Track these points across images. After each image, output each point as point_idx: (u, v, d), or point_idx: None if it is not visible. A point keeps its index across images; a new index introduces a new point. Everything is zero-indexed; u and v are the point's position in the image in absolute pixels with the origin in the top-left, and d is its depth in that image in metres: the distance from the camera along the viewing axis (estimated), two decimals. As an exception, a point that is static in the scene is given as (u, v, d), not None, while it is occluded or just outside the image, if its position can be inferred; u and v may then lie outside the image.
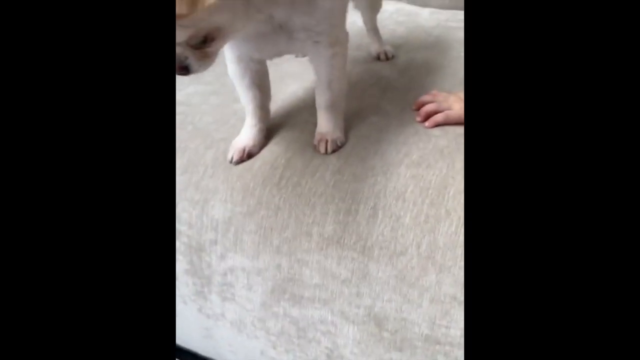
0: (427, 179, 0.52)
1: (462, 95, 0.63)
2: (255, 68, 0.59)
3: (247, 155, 0.59)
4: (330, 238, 0.51)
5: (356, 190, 0.53)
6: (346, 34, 0.58)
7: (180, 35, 0.41)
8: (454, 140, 0.57)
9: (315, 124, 0.61)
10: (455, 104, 0.61)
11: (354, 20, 0.82)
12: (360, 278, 0.50)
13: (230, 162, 0.59)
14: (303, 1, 0.49)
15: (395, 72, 0.75)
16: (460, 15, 0.96)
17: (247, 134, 0.60)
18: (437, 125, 0.60)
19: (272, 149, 0.60)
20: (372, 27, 0.80)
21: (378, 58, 0.79)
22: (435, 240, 0.48)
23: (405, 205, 0.50)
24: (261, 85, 0.60)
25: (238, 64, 0.58)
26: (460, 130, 0.59)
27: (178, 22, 0.38)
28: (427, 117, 0.61)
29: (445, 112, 0.61)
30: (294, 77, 0.73)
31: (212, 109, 0.69)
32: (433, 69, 0.75)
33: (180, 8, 0.37)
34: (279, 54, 0.58)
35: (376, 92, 0.69)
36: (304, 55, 0.59)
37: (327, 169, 0.55)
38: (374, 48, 0.80)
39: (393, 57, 0.79)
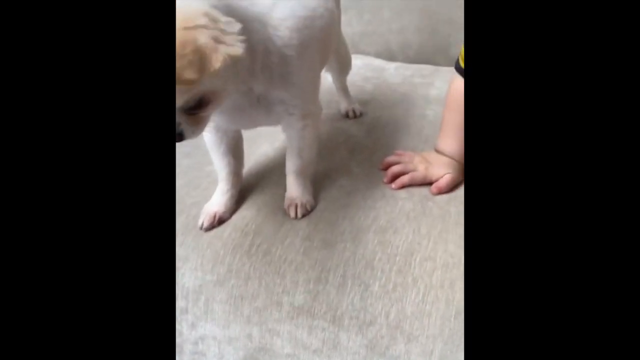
0: (395, 245, 0.53)
1: (426, 155, 0.66)
2: (231, 135, 0.61)
3: (218, 222, 0.60)
4: (301, 307, 0.52)
5: (326, 257, 0.53)
6: (319, 106, 0.61)
7: (178, 101, 0.43)
8: (419, 203, 0.60)
9: (285, 187, 0.62)
10: (420, 165, 0.64)
11: (325, 75, 0.85)
12: (331, 348, 0.50)
13: (201, 228, 0.59)
14: (279, 76, 0.52)
15: (363, 131, 0.77)
16: (424, 69, 1.01)
17: (218, 200, 0.61)
18: (403, 186, 0.62)
19: (243, 214, 0.60)
20: (342, 87, 0.83)
21: (347, 116, 0.82)
22: (403, 309, 0.49)
23: (373, 273, 0.51)
24: (236, 152, 0.62)
25: (215, 134, 0.60)
26: (425, 191, 0.62)
27: (179, 87, 0.40)
28: (394, 178, 0.63)
29: (411, 173, 0.63)
30: (265, 137, 0.74)
31: (184, 171, 0.69)
32: (399, 127, 0.78)
33: (189, 73, 0.40)
34: (255, 126, 0.61)
35: (345, 152, 0.71)
36: (277, 125, 0.61)
37: (297, 235, 0.56)
38: (343, 106, 0.83)
39: (361, 114, 0.82)
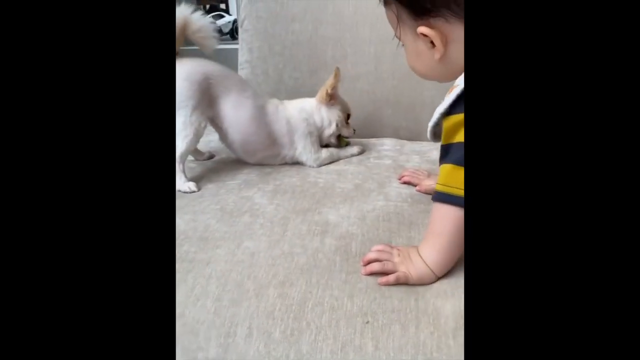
0: (291, 296, 0.64)
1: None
2: None
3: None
4: (214, 360, 0.59)
5: (234, 314, 0.62)
6: None
7: None
8: (311, 256, 0.71)
9: (194, 256, 0.70)
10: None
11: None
12: (243, 393, 0.58)
13: None
14: None
15: (265, 198, 0.89)
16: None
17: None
18: None
19: (158, 284, 0.67)
20: None
21: None
22: (300, 349, 0.58)
23: (274, 322, 0.61)
24: None
25: None
26: (316, 244, 0.74)
27: None
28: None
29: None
30: (180, 211, 0.83)
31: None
32: (295, 193, 0.91)
33: None
34: None
35: (249, 218, 0.82)
36: None
37: (208, 297, 0.65)
38: None
39: None
